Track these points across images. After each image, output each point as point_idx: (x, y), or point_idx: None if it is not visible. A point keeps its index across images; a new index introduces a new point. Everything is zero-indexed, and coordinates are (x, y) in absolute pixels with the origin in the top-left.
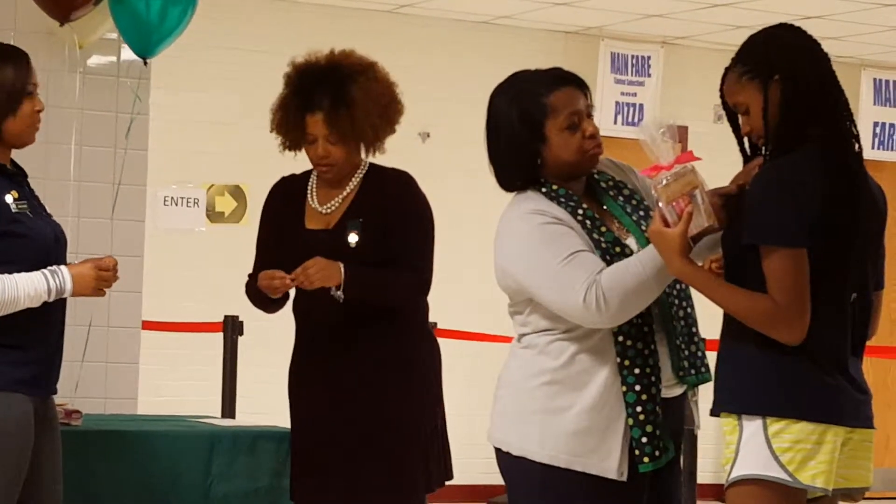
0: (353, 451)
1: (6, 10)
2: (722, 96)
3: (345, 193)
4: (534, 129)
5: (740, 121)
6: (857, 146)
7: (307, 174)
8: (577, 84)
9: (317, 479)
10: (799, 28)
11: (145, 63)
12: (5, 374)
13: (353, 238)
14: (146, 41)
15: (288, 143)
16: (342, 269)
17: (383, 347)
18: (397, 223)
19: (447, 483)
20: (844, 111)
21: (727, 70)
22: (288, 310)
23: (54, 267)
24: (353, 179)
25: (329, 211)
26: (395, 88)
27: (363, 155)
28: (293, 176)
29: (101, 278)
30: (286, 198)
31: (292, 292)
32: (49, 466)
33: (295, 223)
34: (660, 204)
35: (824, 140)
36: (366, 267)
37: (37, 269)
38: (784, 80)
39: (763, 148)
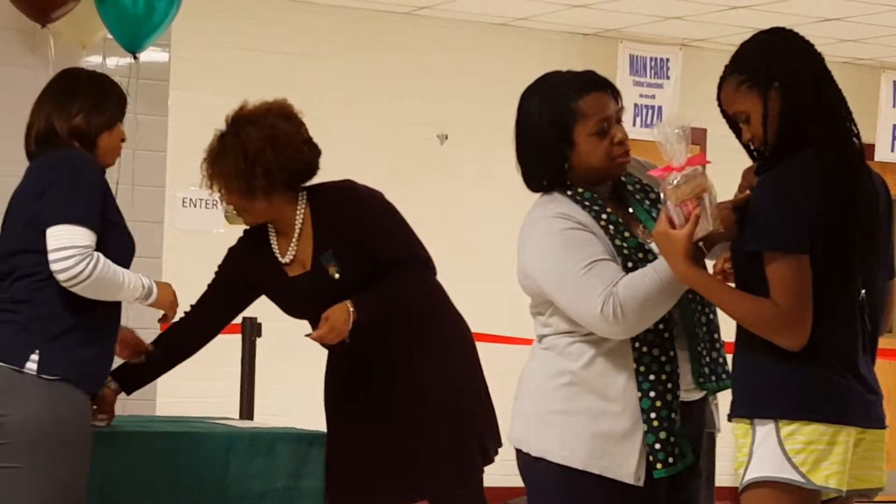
0: (402, 444)
1: (7, 8)
2: (720, 105)
3: (297, 232)
4: (562, 134)
5: (742, 128)
6: (857, 144)
7: (265, 227)
8: (607, 89)
9: (361, 485)
10: (791, 31)
11: (135, 58)
12: (80, 370)
13: (332, 270)
14: (134, 36)
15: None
16: (350, 311)
17: (409, 338)
18: (366, 235)
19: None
20: (843, 111)
21: (723, 79)
22: None
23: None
24: (297, 216)
25: (293, 257)
26: (279, 140)
27: (278, 198)
28: (253, 230)
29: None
30: (257, 255)
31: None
32: None
33: (277, 278)
34: (668, 204)
35: (823, 142)
36: (368, 290)
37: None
38: (783, 87)
39: (765, 152)
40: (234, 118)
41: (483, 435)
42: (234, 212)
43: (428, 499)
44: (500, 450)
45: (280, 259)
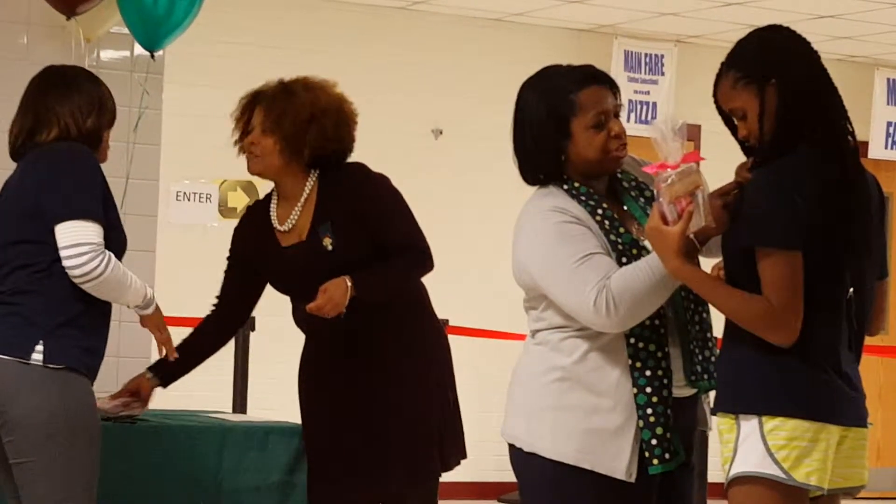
0: (367, 441)
1: (20, 3)
2: (716, 102)
3: (301, 203)
4: (560, 125)
5: (737, 125)
6: (852, 142)
7: (268, 198)
8: (606, 83)
9: (334, 477)
10: (788, 28)
11: (153, 56)
12: (83, 358)
13: (327, 241)
14: (153, 34)
15: (238, 136)
16: (348, 286)
17: (386, 336)
18: (371, 215)
19: (459, 481)
20: (839, 109)
21: (719, 76)
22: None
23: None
24: (306, 188)
25: (291, 226)
26: (345, 113)
27: (298, 166)
28: (257, 203)
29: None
30: (254, 227)
31: (285, 302)
32: None
33: (272, 248)
34: (661, 200)
35: (819, 140)
36: (368, 269)
37: None
38: (780, 84)
39: (760, 149)
40: (304, 79)
41: (445, 443)
42: (249, 152)
43: (381, 495)
44: (498, 445)
45: (277, 227)
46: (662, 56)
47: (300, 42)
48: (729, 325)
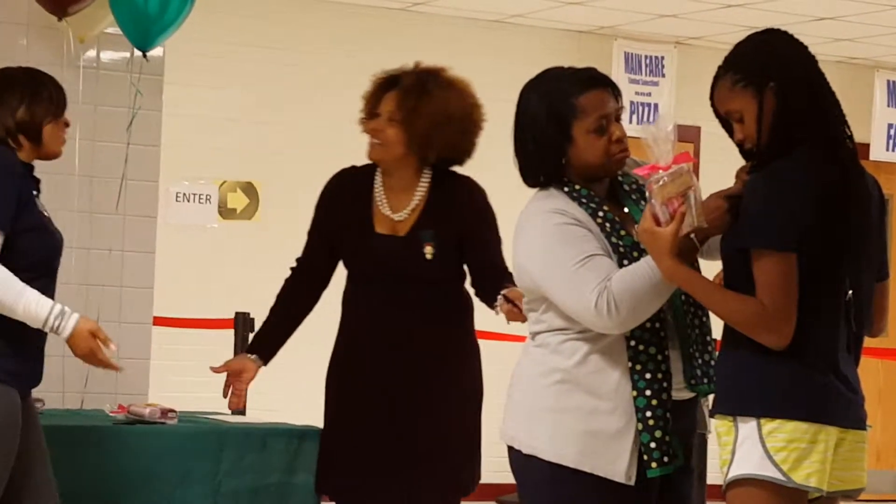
0: (404, 450)
1: (19, 4)
2: (713, 104)
3: (416, 201)
4: (561, 129)
5: (734, 128)
6: (850, 145)
7: (370, 171)
8: (608, 86)
9: (361, 478)
10: (786, 32)
11: (145, 56)
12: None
13: (428, 250)
14: (145, 34)
15: (364, 116)
16: None
17: (434, 346)
18: (477, 237)
19: None
20: (837, 112)
21: (717, 78)
22: None
23: (66, 310)
24: (421, 185)
25: (401, 218)
26: (472, 121)
27: (417, 162)
28: (354, 169)
29: (97, 352)
30: (351, 193)
31: (339, 281)
32: (39, 461)
33: (362, 224)
34: (653, 202)
35: (816, 143)
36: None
37: (48, 268)
38: (778, 87)
39: (757, 152)
40: (440, 74)
41: (472, 463)
42: (371, 137)
43: (408, 501)
44: (496, 446)
45: (387, 212)
46: (662, 58)
47: (300, 43)
48: (727, 327)
